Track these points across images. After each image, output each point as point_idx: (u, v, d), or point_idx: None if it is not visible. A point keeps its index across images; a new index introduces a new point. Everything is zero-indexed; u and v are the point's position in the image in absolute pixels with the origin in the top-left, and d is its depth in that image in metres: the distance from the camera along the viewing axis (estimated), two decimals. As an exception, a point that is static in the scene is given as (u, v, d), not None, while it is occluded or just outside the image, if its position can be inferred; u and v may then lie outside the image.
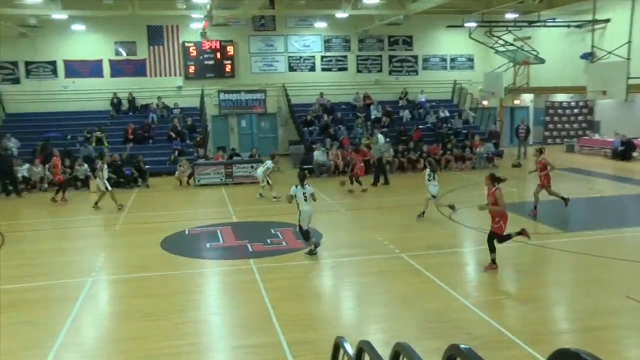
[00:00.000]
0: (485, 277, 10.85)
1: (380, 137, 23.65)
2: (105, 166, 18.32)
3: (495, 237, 10.93)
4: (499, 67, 28.83)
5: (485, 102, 30.15)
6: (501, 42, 28.19)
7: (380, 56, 31.30)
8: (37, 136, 25.03)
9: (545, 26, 27.72)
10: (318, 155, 23.63)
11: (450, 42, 31.42)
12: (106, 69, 28.50)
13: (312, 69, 30.61)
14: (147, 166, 22.84)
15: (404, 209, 16.32)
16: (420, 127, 27.63)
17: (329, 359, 5.71)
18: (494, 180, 11.02)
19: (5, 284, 11.02)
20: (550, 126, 32.04)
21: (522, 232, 11.17)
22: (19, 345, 8.32)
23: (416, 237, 13.84)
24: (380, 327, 8.76)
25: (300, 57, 30.44)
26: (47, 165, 21.65)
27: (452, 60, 32.06)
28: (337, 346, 5.35)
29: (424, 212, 15.33)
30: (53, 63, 28.04)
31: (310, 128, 27.53)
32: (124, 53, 28.58)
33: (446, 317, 8.88)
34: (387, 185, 21.17)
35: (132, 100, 28.31)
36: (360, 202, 18.34)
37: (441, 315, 8.96)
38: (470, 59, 32.11)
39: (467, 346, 2.98)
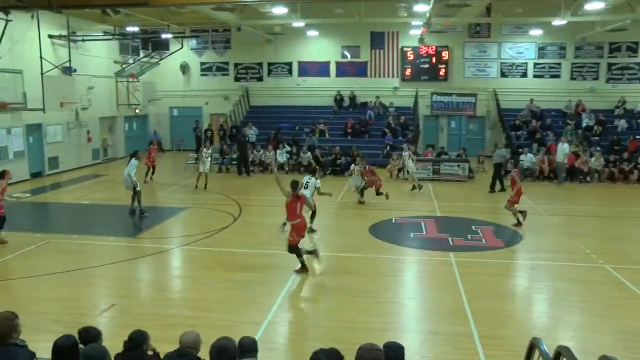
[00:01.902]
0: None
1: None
2: (210, 152, 19.95)
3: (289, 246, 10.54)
4: None
5: None
6: None
7: (598, 63, 28.45)
8: (272, 126, 27.13)
9: None
10: (524, 159, 22.33)
11: (685, 48, 27.38)
12: (332, 69, 29.83)
13: (524, 75, 28.89)
14: (361, 158, 23.48)
15: (612, 219, 14.73)
16: (638, 137, 24.64)
17: (521, 358, 5.38)
18: (293, 187, 10.68)
19: (241, 248, 12.19)
20: None
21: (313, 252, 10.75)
22: (247, 299, 9.18)
23: (625, 249, 12.42)
24: (575, 335, 8.05)
25: (513, 63, 28.91)
26: (277, 151, 23.42)
27: (686, 67, 27.94)
28: (533, 346, 5.01)
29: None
30: (289, 64, 30.13)
31: (517, 132, 26.12)
32: (348, 56, 29.66)
33: (652, 336, 7.85)
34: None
35: (352, 98, 29.30)
36: (565, 209, 16.96)
37: (646, 334, 7.95)
38: None
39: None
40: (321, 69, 29.83)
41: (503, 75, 28.95)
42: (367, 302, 9.04)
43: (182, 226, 14.95)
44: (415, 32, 27.18)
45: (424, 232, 13.73)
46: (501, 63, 28.93)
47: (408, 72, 29.25)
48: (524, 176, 21.81)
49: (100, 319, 8.35)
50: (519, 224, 14.21)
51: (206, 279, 10.16)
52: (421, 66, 29.04)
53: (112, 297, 9.42)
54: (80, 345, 4.75)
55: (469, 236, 13.25)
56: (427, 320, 8.52)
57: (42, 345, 6.89)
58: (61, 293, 9.61)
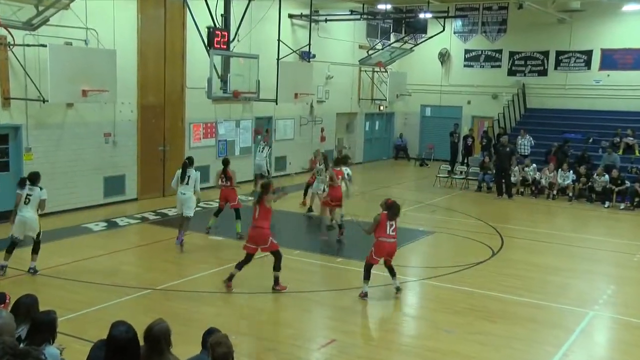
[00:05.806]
0: None
1: None
2: (322, 167, 17.54)
3: None
4: None
5: None
6: None
7: None
8: (553, 135, 26.18)
9: None
10: None
11: None
12: (656, 60, 27.54)
13: None
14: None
15: None
16: None
17: None
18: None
19: (498, 291, 11.94)
20: None
21: None
22: (502, 360, 8.96)
23: None
24: None
25: None
26: (559, 171, 22.47)
27: None
28: None
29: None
30: (588, 53, 28.62)
31: None
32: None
33: None
34: None
35: (683, 102, 26.80)
36: None
37: None
38: None
39: None
40: (638, 60, 27.69)
41: None
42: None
43: (425, 254, 15.19)
44: None
45: None
46: None
47: None
48: None
49: (317, 354, 8.87)
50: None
51: (450, 326, 10.15)
52: None
53: (331, 331, 9.92)
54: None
55: None
56: None
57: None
58: (277, 316, 10.45)
